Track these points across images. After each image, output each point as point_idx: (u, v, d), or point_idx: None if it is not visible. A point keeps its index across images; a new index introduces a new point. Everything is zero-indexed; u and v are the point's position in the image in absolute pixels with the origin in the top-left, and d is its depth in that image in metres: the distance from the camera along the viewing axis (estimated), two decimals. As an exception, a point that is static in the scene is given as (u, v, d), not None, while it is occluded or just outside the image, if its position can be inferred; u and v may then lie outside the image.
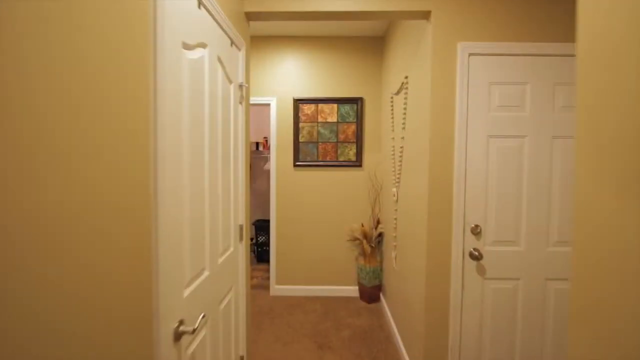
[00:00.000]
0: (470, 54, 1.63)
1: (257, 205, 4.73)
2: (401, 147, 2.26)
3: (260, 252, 4.17)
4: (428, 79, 1.70)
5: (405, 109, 2.17)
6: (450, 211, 1.67)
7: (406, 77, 2.13)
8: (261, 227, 4.16)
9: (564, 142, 1.62)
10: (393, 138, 2.55)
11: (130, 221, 0.72)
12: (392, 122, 2.57)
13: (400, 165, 2.30)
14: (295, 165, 3.11)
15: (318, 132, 3.10)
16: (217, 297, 1.26)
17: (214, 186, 1.23)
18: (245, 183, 1.66)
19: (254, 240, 4.35)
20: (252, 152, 4.59)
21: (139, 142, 0.75)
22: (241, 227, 1.58)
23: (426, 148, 1.72)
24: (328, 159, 3.10)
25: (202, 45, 1.09)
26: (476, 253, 1.63)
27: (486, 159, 1.65)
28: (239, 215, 1.57)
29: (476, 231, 1.65)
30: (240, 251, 1.59)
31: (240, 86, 1.56)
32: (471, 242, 1.67)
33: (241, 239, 1.59)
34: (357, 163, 3.10)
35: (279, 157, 3.13)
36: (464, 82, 1.63)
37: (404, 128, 2.21)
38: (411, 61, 2.04)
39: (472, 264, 1.67)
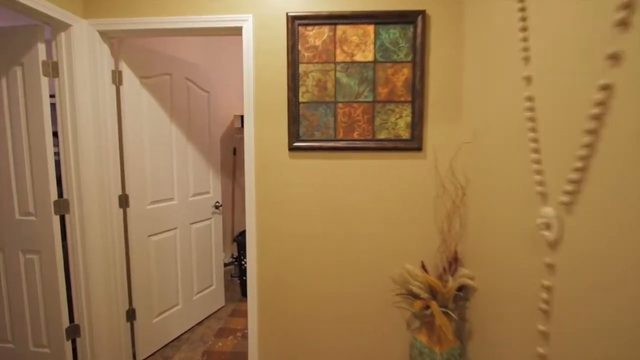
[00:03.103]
0: None
1: (243, 210, 3.30)
2: (604, 87, 0.74)
3: (246, 282, 2.77)
4: None
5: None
6: None
7: None
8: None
9: None
10: (528, 77, 1.02)
11: None
12: (525, 36, 1.03)
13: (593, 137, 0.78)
14: (291, 149, 1.62)
15: (336, 83, 1.59)
16: None
17: None
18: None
19: (236, 262, 2.94)
20: (236, 130, 3.14)
21: None
22: None
23: None
24: (355, 135, 1.60)
25: None
26: None
27: None
28: None
29: None
30: None
31: None
32: None
33: None
34: (414, 144, 1.58)
35: (260, 132, 1.64)
36: None
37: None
38: None
39: None
